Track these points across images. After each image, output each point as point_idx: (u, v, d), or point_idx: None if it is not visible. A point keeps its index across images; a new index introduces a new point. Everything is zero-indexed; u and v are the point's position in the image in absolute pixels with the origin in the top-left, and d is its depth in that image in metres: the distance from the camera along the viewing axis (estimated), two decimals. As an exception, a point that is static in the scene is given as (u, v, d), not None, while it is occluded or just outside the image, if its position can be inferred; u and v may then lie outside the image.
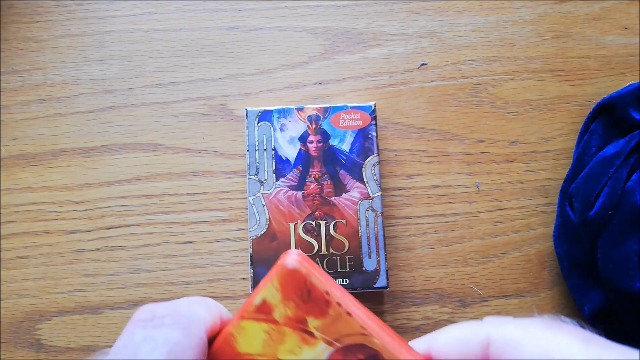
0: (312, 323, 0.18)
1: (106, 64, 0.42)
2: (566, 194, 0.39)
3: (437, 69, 0.42)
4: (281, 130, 0.39)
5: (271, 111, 0.39)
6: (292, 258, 0.18)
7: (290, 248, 0.38)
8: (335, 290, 0.18)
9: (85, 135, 0.42)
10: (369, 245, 0.38)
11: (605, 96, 0.40)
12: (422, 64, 0.42)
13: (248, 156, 0.39)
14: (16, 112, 0.42)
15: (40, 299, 0.40)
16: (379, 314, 0.40)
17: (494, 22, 0.43)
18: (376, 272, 0.37)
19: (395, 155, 0.41)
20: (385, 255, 0.39)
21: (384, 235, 0.38)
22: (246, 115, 0.39)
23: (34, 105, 0.42)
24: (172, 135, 0.41)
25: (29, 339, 0.40)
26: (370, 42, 0.43)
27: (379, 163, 0.39)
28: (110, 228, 0.41)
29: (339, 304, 0.18)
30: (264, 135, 0.39)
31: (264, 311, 0.18)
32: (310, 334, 0.18)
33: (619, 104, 0.39)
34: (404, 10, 0.43)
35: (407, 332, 0.39)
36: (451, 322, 0.39)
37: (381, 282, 0.37)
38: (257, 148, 0.39)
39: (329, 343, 0.18)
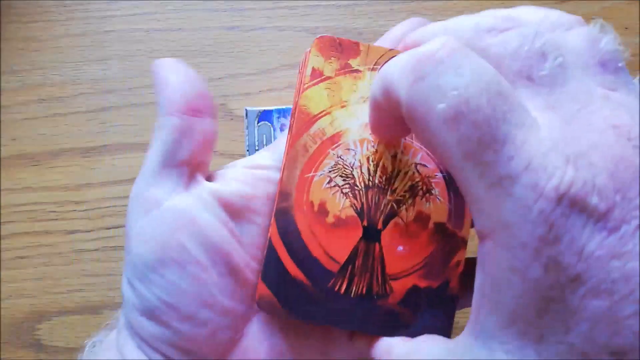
0: (354, 63, 0.22)
1: (106, 64, 0.42)
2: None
3: (437, 69, 0.42)
4: (281, 130, 0.39)
5: (271, 111, 0.39)
6: (316, 37, 0.23)
7: None
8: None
9: (85, 135, 0.42)
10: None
11: (606, 96, 0.40)
12: (423, 64, 0.42)
13: (248, 156, 0.39)
14: (16, 112, 0.42)
15: (40, 299, 0.40)
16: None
17: (494, 22, 0.43)
18: None
19: (396, 155, 0.41)
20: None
21: None
22: (246, 115, 0.39)
23: (34, 105, 0.42)
24: (172, 135, 0.41)
25: (29, 339, 0.40)
26: (371, 42, 0.43)
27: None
28: (110, 228, 0.41)
29: (363, 43, 0.22)
30: (264, 135, 0.39)
31: (316, 75, 0.22)
32: (357, 70, 0.22)
33: (620, 103, 0.39)
34: (404, 10, 0.43)
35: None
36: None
37: None
38: (257, 148, 0.39)
39: (372, 69, 0.22)
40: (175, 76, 0.21)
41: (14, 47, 0.43)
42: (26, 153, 0.41)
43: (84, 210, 0.41)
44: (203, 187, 0.22)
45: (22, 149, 0.41)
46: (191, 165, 0.22)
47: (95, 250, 0.40)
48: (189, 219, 0.21)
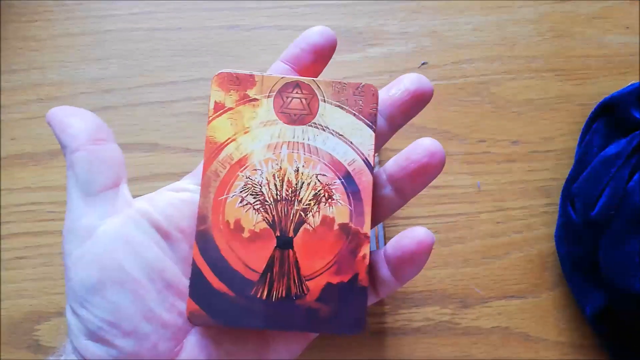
0: (251, 92, 0.25)
1: (105, 63, 0.42)
2: (568, 194, 0.39)
3: (437, 69, 0.42)
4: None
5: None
6: (217, 72, 0.25)
7: None
8: (248, 71, 0.26)
9: (84, 135, 0.41)
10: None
11: (606, 96, 0.40)
12: (423, 64, 0.42)
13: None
14: (15, 111, 0.42)
15: (39, 300, 0.40)
16: (380, 315, 0.40)
17: (495, 22, 0.43)
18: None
19: (396, 155, 0.41)
20: (384, 224, 0.38)
21: (384, 235, 0.38)
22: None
23: (33, 105, 0.42)
24: (172, 135, 0.41)
25: (28, 340, 0.39)
26: (371, 41, 0.43)
27: (379, 163, 0.39)
28: (109, 228, 0.40)
29: (257, 74, 0.25)
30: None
31: (219, 108, 0.25)
32: (254, 99, 0.25)
33: (620, 103, 0.39)
34: (404, 10, 0.43)
35: (407, 333, 0.39)
36: (452, 323, 0.39)
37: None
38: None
39: (267, 96, 0.25)
40: (70, 118, 0.23)
41: (13, 46, 0.42)
42: (26, 153, 0.41)
43: (83, 210, 0.41)
44: (133, 208, 0.24)
45: (22, 149, 0.41)
46: (111, 188, 0.24)
47: (95, 250, 0.40)
48: (124, 239, 0.23)
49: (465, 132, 0.41)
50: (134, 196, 0.41)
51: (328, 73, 0.42)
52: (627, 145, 0.37)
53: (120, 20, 0.43)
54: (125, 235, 0.23)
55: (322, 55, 0.26)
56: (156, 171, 0.41)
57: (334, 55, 0.43)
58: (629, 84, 0.40)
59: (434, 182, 0.41)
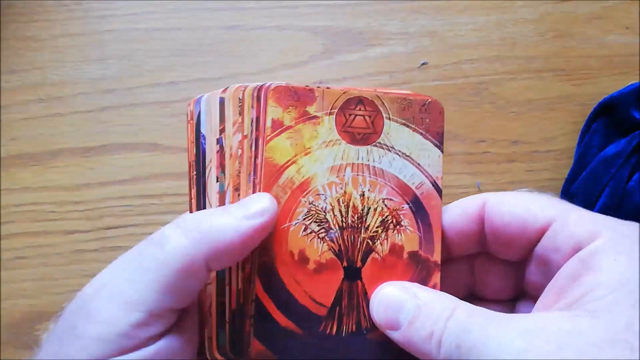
0: (311, 109, 0.23)
1: (105, 64, 0.42)
2: (568, 194, 0.39)
3: (438, 69, 0.42)
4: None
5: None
6: (270, 84, 0.23)
7: None
8: (307, 85, 0.23)
9: (84, 135, 0.41)
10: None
11: (606, 96, 0.40)
12: (423, 64, 0.42)
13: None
14: (15, 112, 0.42)
15: (40, 300, 0.40)
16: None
17: (495, 22, 0.43)
18: None
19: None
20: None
21: None
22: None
23: (33, 105, 0.42)
24: (172, 135, 0.41)
25: (28, 340, 0.39)
26: (371, 41, 0.43)
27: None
28: (109, 228, 0.40)
29: (318, 87, 0.23)
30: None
31: (277, 126, 0.22)
32: (315, 117, 0.23)
33: (620, 103, 0.39)
34: (404, 10, 0.43)
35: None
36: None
37: None
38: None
39: (329, 113, 0.23)
40: None
41: (13, 46, 0.42)
42: (26, 153, 0.41)
43: (83, 211, 0.41)
44: None
45: (22, 149, 0.41)
46: None
47: (95, 250, 0.40)
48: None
49: (465, 132, 0.41)
50: (134, 196, 0.41)
51: (329, 73, 0.42)
52: (626, 145, 0.37)
53: (120, 20, 0.43)
54: None
55: None
56: (156, 171, 0.41)
57: (334, 56, 0.43)
58: (629, 84, 0.40)
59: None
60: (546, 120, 0.42)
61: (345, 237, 0.23)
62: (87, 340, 0.19)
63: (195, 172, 0.25)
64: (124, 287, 0.20)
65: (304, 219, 0.22)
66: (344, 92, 0.23)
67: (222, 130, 0.24)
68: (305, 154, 0.23)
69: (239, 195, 0.24)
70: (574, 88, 0.42)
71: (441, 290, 0.23)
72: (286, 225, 0.22)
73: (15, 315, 0.40)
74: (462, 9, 0.43)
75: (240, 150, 0.23)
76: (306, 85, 0.23)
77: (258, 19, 0.43)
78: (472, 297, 0.26)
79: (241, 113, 0.23)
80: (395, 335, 0.21)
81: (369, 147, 0.23)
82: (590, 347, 0.18)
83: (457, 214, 0.24)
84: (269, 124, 0.22)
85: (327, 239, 0.22)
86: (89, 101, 0.42)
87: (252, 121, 0.23)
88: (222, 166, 0.24)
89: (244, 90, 0.23)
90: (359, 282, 0.23)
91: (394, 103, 0.23)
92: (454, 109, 0.42)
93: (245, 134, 0.23)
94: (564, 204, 0.23)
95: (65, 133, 0.41)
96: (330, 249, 0.22)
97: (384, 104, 0.23)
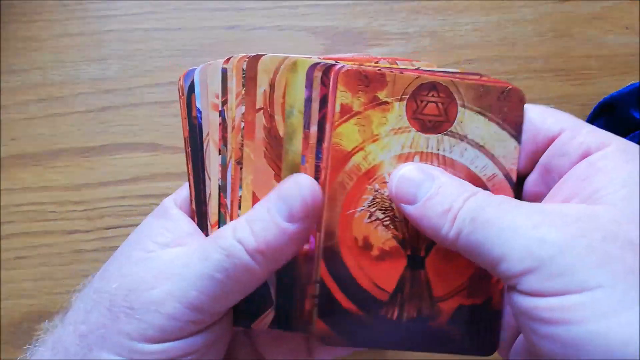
0: (381, 94, 0.22)
1: (105, 64, 0.42)
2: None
3: (437, 69, 0.42)
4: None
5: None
6: (340, 66, 0.22)
7: None
8: (377, 65, 0.23)
9: (84, 135, 0.41)
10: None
11: (606, 96, 0.40)
12: (423, 64, 0.42)
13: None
14: (15, 112, 0.42)
15: (40, 300, 0.40)
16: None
17: (495, 22, 0.43)
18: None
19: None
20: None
21: None
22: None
23: (33, 105, 0.42)
24: (172, 135, 0.41)
25: (28, 340, 0.39)
26: (371, 41, 0.43)
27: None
28: (109, 228, 0.40)
29: (391, 71, 0.22)
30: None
31: (345, 112, 0.22)
32: (384, 102, 0.22)
33: (619, 103, 0.39)
34: (404, 10, 0.43)
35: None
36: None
37: None
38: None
39: (399, 99, 0.22)
40: None
41: (13, 46, 0.42)
42: (26, 153, 0.41)
43: (83, 211, 0.41)
44: None
45: (22, 149, 0.41)
46: None
47: (95, 250, 0.40)
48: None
49: (465, 132, 0.41)
50: (134, 196, 0.41)
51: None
52: (626, 145, 0.37)
53: (120, 20, 0.43)
54: None
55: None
56: (156, 171, 0.41)
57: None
58: (629, 84, 0.40)
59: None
60: (546, 120, 0.42)
61: (410, 226, 0.22)
62: (146, 325, 0.21)
63: (190, 148, 0.25)
64: (190, 291, 0.21)
65: (369, 206, 0.22)
66: (416, 77, 0.22)
67: (224, 102, 0.24)
68: (373, 141, 0.22)
69: (241, 168, 0.23)
70: (573, 88, 0.42)
71: None
72: (351, 211, 0.22)
73: (15, 315, 0.40)
74: (462, 9, 0.43)
75: (243, 123, 0.23)
76: (378, 69, 0.22)
77: (258, 19, 0.43)
78: None
79: (244, 85, 0.23)
80: (409, 209, 0.21)
81: (439, 135, 0.22)
82: (609, 223, 0.18)
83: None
84: (337, 109, 0.22)
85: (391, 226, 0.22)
86: (89, 101, 0.42)
87: (317, 101, 0.22)
88: (224, 139, 0.24)
89: (258, 61, 0.23)
90: (422, 271, 0.23)
91: (470, 90, 0.22)
92: (454, 109, 0.42)
93: (259, 106, 0.23)
94: (578, 120, 0.22)
95: (65, 133, 0.41)
96: (394, 237, 0.22)
97: (459, 90, 0.22)
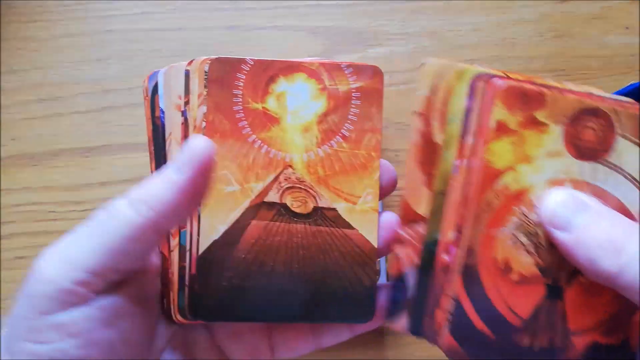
0: (540, 115, 0.21)
1: (105, 64, 0.42)
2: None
3: (437, 69, 0.42)
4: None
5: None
6: (497, 80, 0.21)
7: None
8: (539, 82, 0.22)
9: (84, 135, 0.41)
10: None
11: (606, 96, 0.40)
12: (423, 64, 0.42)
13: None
14: (15, 112, 0.42)
15: (40, 300, 0.40)
16: (379, 314, 0.40)
17: (495, 22, 0.43)
18: (375, 274, 0.37)
19: (396, 155, 0.41)
20: (385, 256, 0.38)
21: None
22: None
23: (33, 105, 0.42)
24: (172, 135, 0.41)
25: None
26: (371, 41, 0.43)
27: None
28: (109, 228, 0.40)
29: (550, 90, 0.21)
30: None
31: (501, 129, 0.21)
32: (542, 123, 0.21)
33: (620, 103, 0.39)
34: (404, 10, 0.43)
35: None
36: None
37: (381, 282, 0.37)
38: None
39: (557, 122, 0.21)
40: None
41: (13, 46, 0.42)
42: (26, 153, 0.41)
43: (83, 211, 0.41)
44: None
45: (22, 149, 0.41)
46: None
47: (95, 250, 0.40)
48: (122, 315, 0.22)
49: (465, 132, 0.41)
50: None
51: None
52: (627, 146, 0.37)
53: (120, 20, 0.43)
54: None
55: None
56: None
57: (334, 56, 0.43)
58: (629, 84, 0.40)
59: (433, 182, 0.41)
60: (546, 120, 0.42)
61: (553, 255, 0.22)
62: (34, 299, 0.21)
63: (153, 147, 0.26)
64: (70, 249, 0.22)
65: (514, 228, 0.22)
66: (578, 101, 0.21)
67: (186, 103, 0.25)
68: (526, 162, 0.21)
69: None
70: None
71: None
72: (495, 231, 0.22)
73: (15, 315, 0.40)
74: (462, 9, 0.43)
75: (204, 123, 0.24)
76: (538, 87, 0.21)
77: (258, 19, 0.43)
78: None
79: (206, 86, 0.24)
80: (562, 236, 0.21)
81: (594, 164, 0.22)
82: None
83: None
84: (492, 125, 0.21)
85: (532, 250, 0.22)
86: (89, 101, 0.42)
87: (476, 112, 0.22)
88: (186, 138, 0.25)
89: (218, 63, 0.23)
90: (559, 302, 0.22)
91: (631, 119, 0.21)
92: (454, 109, 0.42)
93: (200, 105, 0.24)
94: None
95: (65, 133, 0.41)
96: (536, 264, 0.22)
97: (620, 119, 0.21)
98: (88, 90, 0.42)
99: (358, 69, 0.25)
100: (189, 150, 0.21)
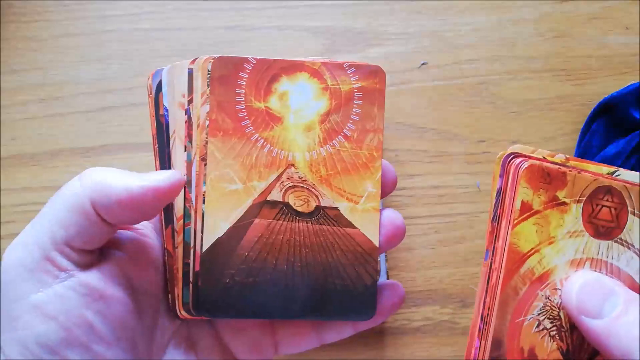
0: (561, 194, 0.22)
1: (105, 64, 0.42)
2: (568, 194, 0.39)
3: (437, 69, 0.42)
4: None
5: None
6: (522, 161, 0.22)
7: None
8: (557, 162, 0.22)
9: (84, 135, 0.41)
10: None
11: (606, 96, 0.40)
12: (423, 64, 0.42)
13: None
14: (15, 112, 0.42)
15: (40, 300, 0.40)
16: (380, 314, 0.40)
17: (495, 22, 0.43)
18: (376, 273, 0.37)
19: (396, 156, 0.41)
20: (386, 255, 0.38)
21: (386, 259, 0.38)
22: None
23: (33, 105, 0.42)
24: (172, 135, 0.41)
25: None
26: (371, 41, 0.43)
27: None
28: (109, 228, 0.40)
29: (570, 170, 0.22)
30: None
31: (525, 210, 0.21)
32: (563, 203, 0.22)
33: (619, 103, 0.39)
34: (404, 10, 0.43)
35: (407, 333, 0.39)
36: (452, 322, 0.39)
37: (382, 280, 0.37)
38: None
39: (577, 201, 0.22)
40: None
41: (13, 46, 0.42)
42: (26, 153, 0.41)
43: (83, 211, 0.41)
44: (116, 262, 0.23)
45: (22, 149, 0.41)
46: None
47: (95, 250, 0.40)
48: (98, 295, 0.21)
49: (465, 132, 0.41)
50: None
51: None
52: (626, 146, 0.38)
53: (121, 20, 0.43)
54: (102, 291, 0.22)
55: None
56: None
57: (334, 56, 0.43)
58: (629, 84, 0.40)
59: (434, 182, 0.41)
60: (546, 120, 0.42)
61: (575, 338, 0.22)
62: (6, 287, 0.21)
63: (157, 144, 0.26)
64: (27, 234, 0.22)
65: (539, 314, 0.22)
66: (594, 180, 0.22)
67: (190, 101, 0.25)
68: (549, 243, 0.22)
69: (205, 165, 0.24)
70: (573, 88, 0.42)
71: None
72: (521, 319, 0.22)
73: (15, 315, 0.40)
74: (462, 9, 0.43)
75: (207, 122, 0.24)
76: (559, 167, 0.22)
77: (258, 19, 0.43)
78: None
79: (209, 84, 0.24)
80: (593, 324, 0.20)
81: (609, 242, 0.22)
82: None
83: None
84: (517, 206, 0.21)
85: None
86: (89, 101, 0.42)
87: (497, 192, 0.22)
88: (189, 136, 0.25)
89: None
90: None
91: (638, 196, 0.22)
92: (454, 109, 0.42)
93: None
94: None
95: (65, 133, 0.41)
96: (558, 348, 0.22)
97: (630, 196, 0.22)
98: (88, 90, 0.42)
99: (360, 69, 0.25)
100: (160, 175, 0.22)
